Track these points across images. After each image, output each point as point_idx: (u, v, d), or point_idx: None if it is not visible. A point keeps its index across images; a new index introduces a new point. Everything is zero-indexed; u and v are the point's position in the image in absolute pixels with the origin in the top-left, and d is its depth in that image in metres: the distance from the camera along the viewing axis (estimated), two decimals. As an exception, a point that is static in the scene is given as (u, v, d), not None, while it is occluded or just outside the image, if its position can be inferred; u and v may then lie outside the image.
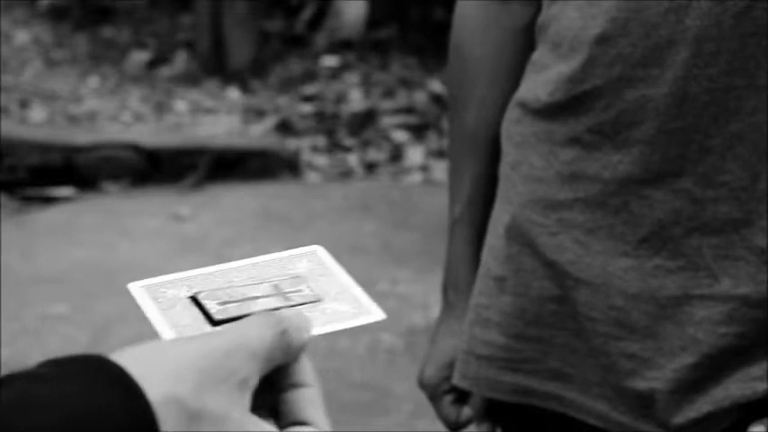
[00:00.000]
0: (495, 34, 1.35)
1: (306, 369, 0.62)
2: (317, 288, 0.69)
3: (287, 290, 0.68)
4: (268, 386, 0.61)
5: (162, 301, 0.67)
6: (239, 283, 0.68)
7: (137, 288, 0.68)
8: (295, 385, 0.62)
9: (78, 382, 0.52)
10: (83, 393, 0.51)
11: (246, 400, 0.57)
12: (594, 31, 1.21)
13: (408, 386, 3.28)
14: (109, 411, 0.51)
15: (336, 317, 0.67)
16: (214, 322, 0.65)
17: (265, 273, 0.70)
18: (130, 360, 0.54)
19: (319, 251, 0.72)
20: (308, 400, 0.61)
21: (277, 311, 0.63)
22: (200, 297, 0.66)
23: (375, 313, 0.68)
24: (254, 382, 0.58)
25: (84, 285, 4.09)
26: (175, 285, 0.68)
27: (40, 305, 3.92)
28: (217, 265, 0.70)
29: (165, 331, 0.64)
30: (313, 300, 0.68)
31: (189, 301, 0.67)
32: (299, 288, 0.68)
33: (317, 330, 0.65)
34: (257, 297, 0.67)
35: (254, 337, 0.58)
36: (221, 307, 0.65)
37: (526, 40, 1.33)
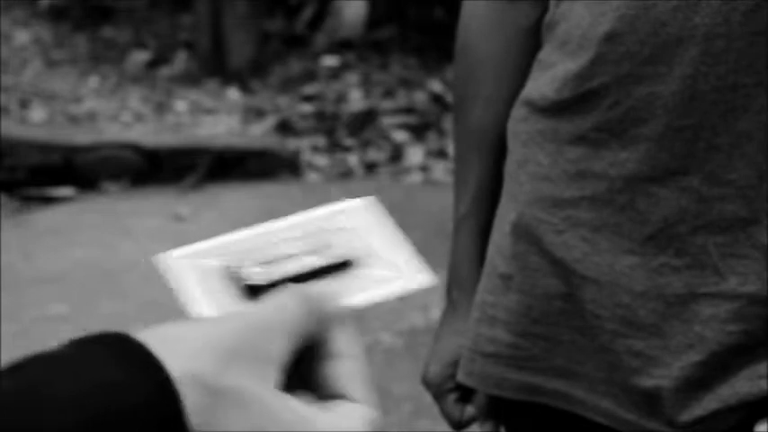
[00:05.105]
0: (502, 33, 1.35)
1: (345, 339, 0.59)
2: (360, 247, 0.64)
3: (327, 247, 0.64)
4: (308, 357, 0.58)
5: (194, 273, 0.64)
6: (277, 241, 0.64)
7: (169, 260, 0.64)
8: (332, 356, 0.59)
9: (97, 357, 0.51)
10: (100, 367, 0.50)
11: (273, 377, 0.55)
12: (603, 28, 1.20)
13: (408, 386, 3.28)
14: (128, 385, 0.50)
15: (373, 284, 0.63)
16: (249, 289, 0.62)
17: (308, 228, 0.65)
18: (152, 338, 0.53)
19: (372, 205, 0.67)
20: (346, 371, 0.58)
21: (305, 284, 0.59)
22: (235, 261, 0.63)
23: (418, 279, 0.62)
24: (282, 358, 0.56)
25: (84, 285, 4.09)
26: (210, 253, 0.64)
27: (40, 305, 3.92)
28: (256, 227, 0.66)
29: (197, 303, 0.62)
30: (353, 258, 0.63)
31: (222, 269, 0.64)
32: (341, 244, 0.64)
33: (352, 299, 0.61)
34: (295, 255, 0.63)
35: (279, 312, 0.57)
36: (256, 269, 0.62)
37: (533, 40, 1.33)
